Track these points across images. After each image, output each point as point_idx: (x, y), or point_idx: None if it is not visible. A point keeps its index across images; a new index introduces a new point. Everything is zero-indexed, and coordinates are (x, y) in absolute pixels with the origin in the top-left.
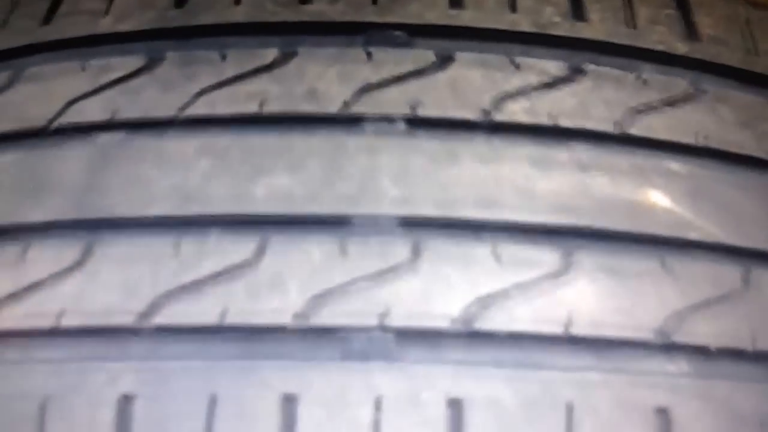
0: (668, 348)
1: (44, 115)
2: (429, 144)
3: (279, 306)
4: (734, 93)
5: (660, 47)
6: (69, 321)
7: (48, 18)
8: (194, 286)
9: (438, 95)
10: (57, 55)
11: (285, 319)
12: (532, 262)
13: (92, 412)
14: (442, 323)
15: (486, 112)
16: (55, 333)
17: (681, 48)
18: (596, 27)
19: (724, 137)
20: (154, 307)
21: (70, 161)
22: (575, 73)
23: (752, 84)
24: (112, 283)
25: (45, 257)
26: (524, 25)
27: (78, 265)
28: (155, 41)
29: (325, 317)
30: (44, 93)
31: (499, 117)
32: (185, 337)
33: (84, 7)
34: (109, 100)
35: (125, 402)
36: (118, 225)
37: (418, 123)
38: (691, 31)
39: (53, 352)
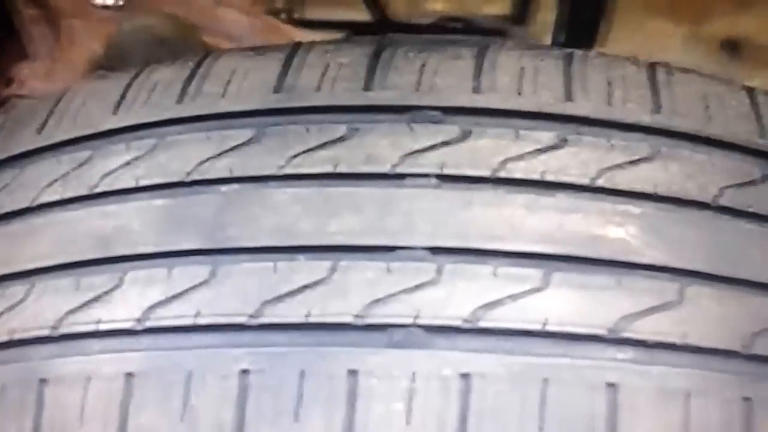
0: (618, 341)
1: (182, 171)
2: (452, 194)
3: (344, 309)
4: (685, 152)
5: (628, 120)
6: (203, 320)
7: (180, 99)
8: (287, 296)
9: (460, 158)
10: (188, 127)
11: (348, 318)
12: (521, 279)
13: (224, 382)
14: (457, 322)
15: (494, 170)
16: (193, 328)
17: (645, 120)
18: (581, 106)
19: (671, 186)
20: (260, 310)
21: (201, 205)
22: (562, 141)
23: (702, 144)
24: (232, 294)
25: (188, 275)
26: (527, 106)
27: (208, 281)
28: (260, 118)
29: (377, 317)
30: (181, 155)
31: (503, 174)
32: (282, 331)
33: (207, 90)
34: (228, 161)
35: (244, 375)
36: (236, 252)
37: (445, 179)
38: (656, 106)
39: (192, 341)
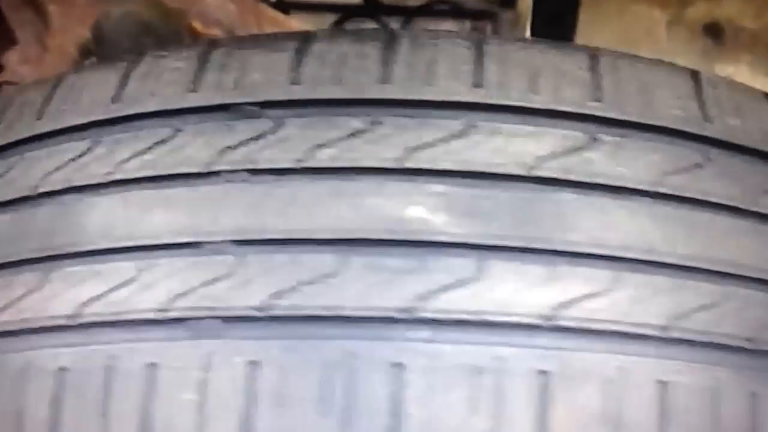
0: (412, 321)
1: (31, 185)
2: (260, 187)
3: (149, 305)
4: (505, 126)
5: (445, 97)
6: (32, 324)
7: (40, 116)
8: (102, 295)
9: (270, 151)
10: (42, 143)
11: (152, 314)
12: (317, 265)
13: (44, 381)
14: (249, 312)
15: (301, 161)
16: (22, 332)
17: (465, 95)
18: (399, 87)
19: (484, 161)
20: (78, 310)
21: (41, 216)
22: (374, 125)
23: (526, 116)
24: (56, 297)
25: (23, 283)
26: (343, 93)
27: (39, 287)
28: (98, 128)
29: (177, 311)
30: (32, 170)
31: (311, 163)
32: (95, 329)
33: (59, 106)
34: (68, 172)
35: (61, 373)
36: (63, 257)
37: (254, 172)
38: (479, 80)
39: (21, 344)
